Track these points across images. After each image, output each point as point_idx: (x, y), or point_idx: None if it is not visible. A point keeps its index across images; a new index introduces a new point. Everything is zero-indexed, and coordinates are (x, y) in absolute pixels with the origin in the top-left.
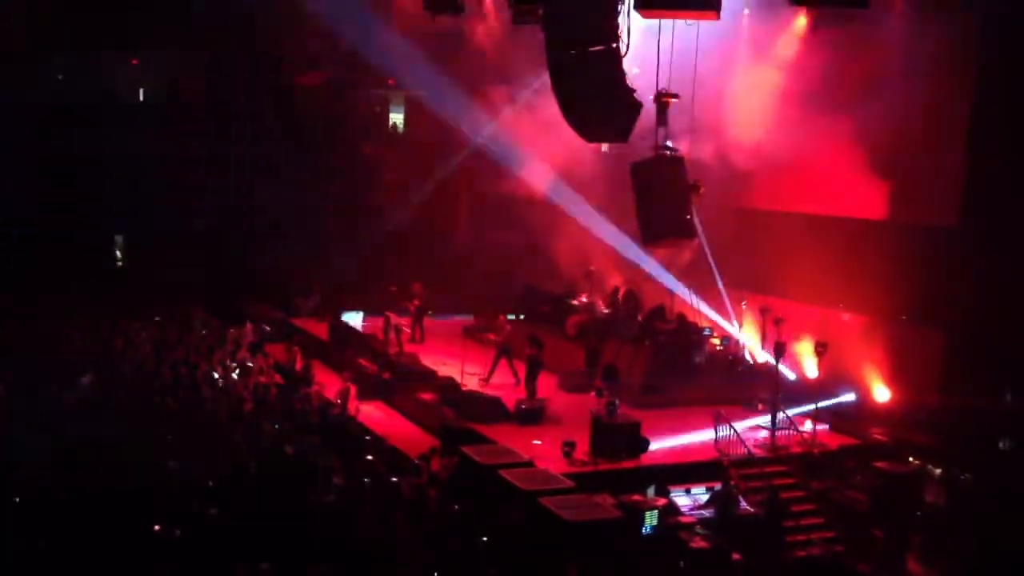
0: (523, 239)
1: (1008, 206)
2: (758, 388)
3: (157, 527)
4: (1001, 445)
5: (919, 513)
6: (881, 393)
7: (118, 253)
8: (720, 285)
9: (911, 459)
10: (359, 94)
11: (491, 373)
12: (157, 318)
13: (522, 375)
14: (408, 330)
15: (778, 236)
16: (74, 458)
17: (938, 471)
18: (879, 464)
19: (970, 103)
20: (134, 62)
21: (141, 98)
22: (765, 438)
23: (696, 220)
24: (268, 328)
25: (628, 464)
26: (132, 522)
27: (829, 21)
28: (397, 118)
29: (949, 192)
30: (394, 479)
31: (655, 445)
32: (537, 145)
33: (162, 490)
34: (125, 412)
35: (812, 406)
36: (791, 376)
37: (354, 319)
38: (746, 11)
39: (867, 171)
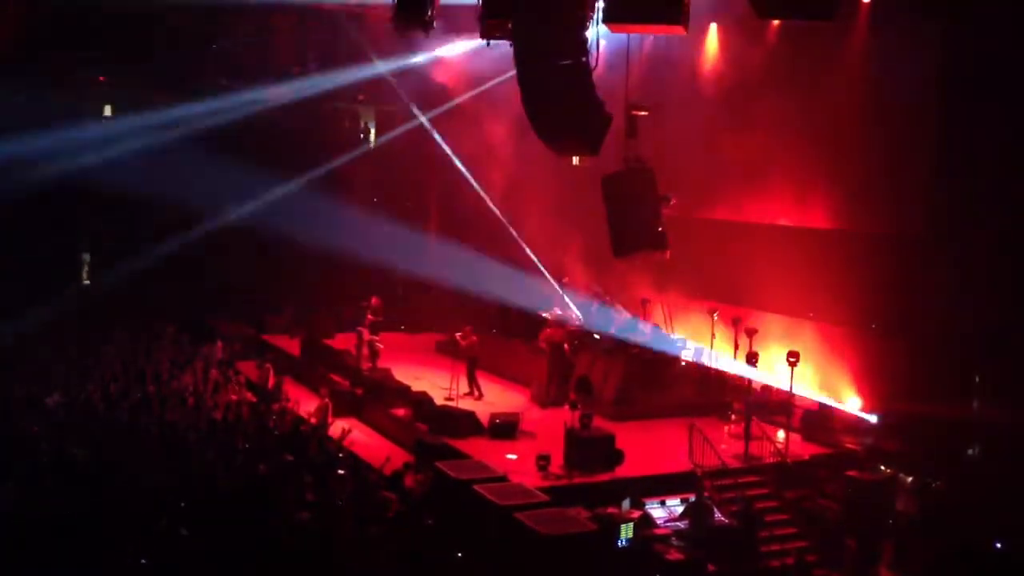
0: (498, 252)
1: (973, 215)
2: (731, 399)
3: (127, 547)
4: (969, 452)
5: (891, 521)
6: (852, 402)
7: (85, 271)
8: None
9: (882, 467)
10: (329, 108)
11: (474, 387)
12: (126, 336)
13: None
14: (382, 346)
15: (748, 247)
16: (44, 478)
17: (909, 479)
18: (851, 473)
19: (935, 113)
20: (101, 79)
21: (108, 114)
22: (738, 449)
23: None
24: (238, 345)
25: (603, 477)
26: (101, 542)
27: (795, 33)
28: (368, 131)
29: (915, 201)
30: (368, 495)
31: (629, 457)
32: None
33: (132, 510)
34: (94, 431)
35: (784, 416)
36: (763, 386)
37: None
38: (713, 24)
39: (835, 181)
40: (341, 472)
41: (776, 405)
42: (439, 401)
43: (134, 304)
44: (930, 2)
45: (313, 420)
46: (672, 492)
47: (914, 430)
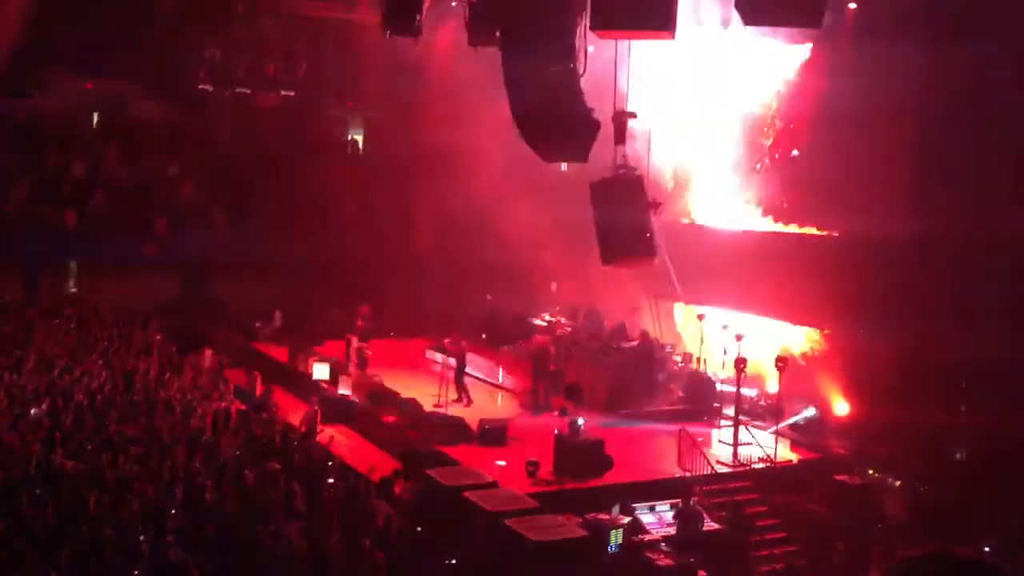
0: (486, 257)
1: (959, 220)
2: (720, 404)
3: (114, 558)
4: (957, 456)
5: (879, 525)
6: (840, 407)
7: (72, 279)
8: None
9: (870, 471)
10: (318, 115)
11: (463, 393)
12: (115, 345)
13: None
14: (371, 352)
15: (738, 253)
16: (29, 489)
17: (897, 483)
18: (839, 477)
19: (917, 121)
20: (89, 87)
21: (95, 121)
22: (727, 454)
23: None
24: (227, 353)
25: (592, 483)
26: (89, 554)
27: (782, 41)
28: (356, 139)
29: (900, 206)
30: (357, 503)
31: (618, 463)
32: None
33: (119, 520)
34: (80, 440)
35: (773, 421)
36: (752, 392)
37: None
38: (702, 32)
39: (820, 186)
40: (331, 480)
41: (764, 410)
42: (428, 408)
43: (122, 312)
44: (909, 22)
45: (302, 428)
46: (662, 498)
47: (902, 434)
